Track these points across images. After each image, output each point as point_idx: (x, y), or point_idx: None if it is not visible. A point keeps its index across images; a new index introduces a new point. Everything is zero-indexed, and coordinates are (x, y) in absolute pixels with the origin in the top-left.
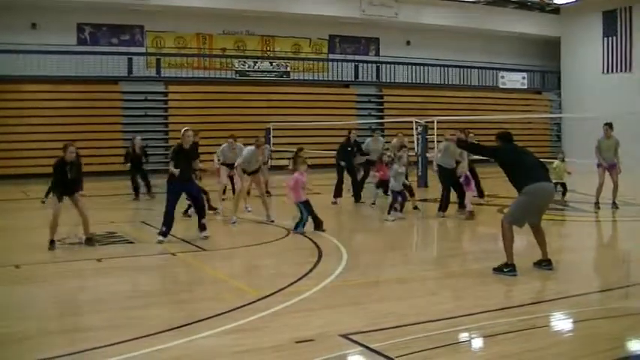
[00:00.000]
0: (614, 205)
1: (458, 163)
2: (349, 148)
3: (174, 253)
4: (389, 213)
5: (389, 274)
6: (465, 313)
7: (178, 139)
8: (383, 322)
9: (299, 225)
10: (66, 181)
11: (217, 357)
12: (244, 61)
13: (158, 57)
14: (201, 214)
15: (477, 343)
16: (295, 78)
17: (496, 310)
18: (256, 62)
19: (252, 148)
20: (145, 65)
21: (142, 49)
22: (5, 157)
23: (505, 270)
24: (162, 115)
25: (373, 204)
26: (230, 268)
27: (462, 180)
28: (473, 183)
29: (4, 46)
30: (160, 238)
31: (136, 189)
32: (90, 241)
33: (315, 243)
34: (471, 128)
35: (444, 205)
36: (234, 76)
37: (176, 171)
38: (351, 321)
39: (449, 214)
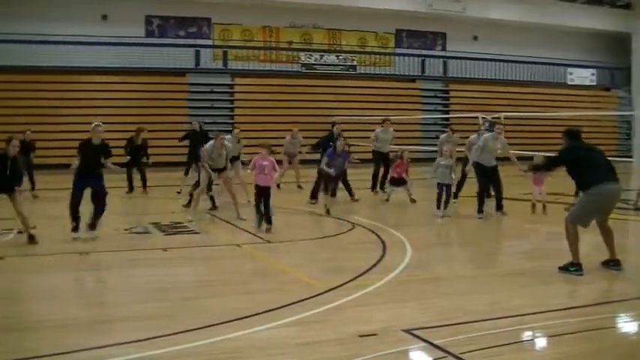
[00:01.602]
0: None
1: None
2: (331, 143)
3: (239, 245)
4: (438, 208)
5: (452, 269)
6: (530, 312)
7: (245, 130)
8: (446, 318)
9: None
10: (4, 176)
11: (280, 348)
12: (310, 55)
13: (225, 49)
14: (97, 214)
15: (542, 342)
16: (361, 72)
17: (561, 309)
18: (322, 56)
19: (212, 142)
20: (211, 57)
21: (209, 42)
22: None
23: (571, 269)
24: (229, 108)
25: (387, 200)
26: (294, 260)
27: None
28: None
29: (74, 37)
30: (74, 234)
31: (130, 181)
32: (32, 239)
33: (379, 237)
34: (539, 124)
35: (479, 206)
36: (300, 70)
37: (76, 164)
38: (415, 316)
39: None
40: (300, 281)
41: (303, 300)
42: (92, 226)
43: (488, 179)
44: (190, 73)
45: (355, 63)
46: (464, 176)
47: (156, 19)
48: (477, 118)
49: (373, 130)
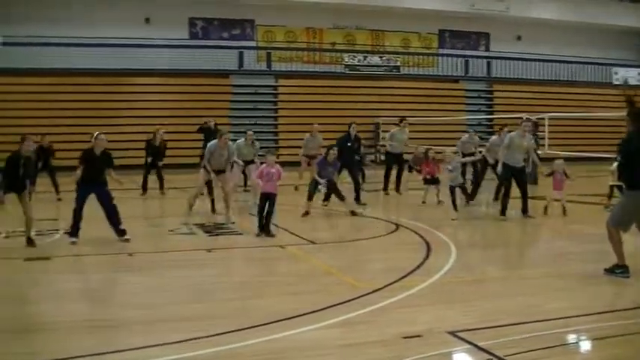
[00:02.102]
0: None
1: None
2: (349, 144)
3: (283, 246)
4: (456, 210)
5: (496, 271)
6: (575, 314)
7: (289, 131)
8: (491, 320)
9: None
10: (17, 175)
11: (324, 349)
12: (354, 56)
13: (268, 51)
14: (111, 216)
15: (587, 345)
16: (405, 73)
17: (607, 312)
18: (366, 57)
19: (215, 141)
20: (255, 59)
21: (253, 43)
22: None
23: (617, 271)
24: (272, 109)
25: (424, 202)
26: (338, 262)
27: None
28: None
29: (118, 40)
30: (72, 239)
31: (145, 183)
32: (30, 242)
33: (423, 238)
34: (584, 125)
35: (503, 208)
36: (343, 71)
37: (78, 174)
38: (459, 318)
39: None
40: (345, 282)
41: (347, 301)
42: (121, 232)
43: (514, 180)
44: (234, 75)
45: (399, 64)
46: (479, 178)
47: (199, 21)
48: (521, 118)
49: (422, 132)
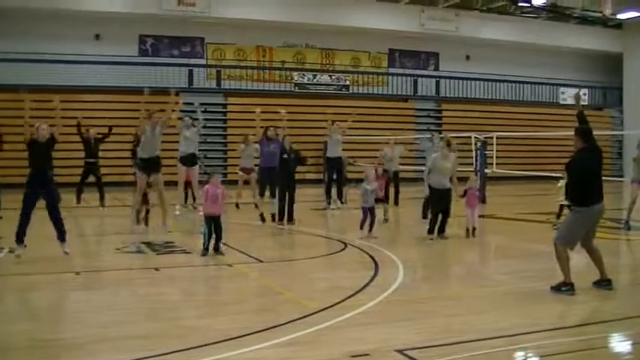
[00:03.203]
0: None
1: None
2: (284, 156)
3: (231, 264)
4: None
5: (445, 289)
6: (522, 332)
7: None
8: (440, 338)
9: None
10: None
11: None
12: (303, 74)
13: (218, 69)
14: (58, 228)
15: None
16: (354, 92)
17: (553, 329)
18: (315, 75)
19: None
20: (205, 77)
21: (203, 61)
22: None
23: (563, 289)
24: (222, 127)
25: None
26: (286, 280)
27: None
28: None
29: (68, 56)
30: (16, 252)
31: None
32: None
33: (371, 256)
34: (531, 144)
35: (431, 228)
36: (293, 89)
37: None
38: (408, 336)
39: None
40: (292, 301)
41: (295, 320)
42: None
43: (440, 203)
44: (183, 92)
45: (348, 83)
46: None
47: (149, 38)
48: (470, 137)
49: (370, 150)
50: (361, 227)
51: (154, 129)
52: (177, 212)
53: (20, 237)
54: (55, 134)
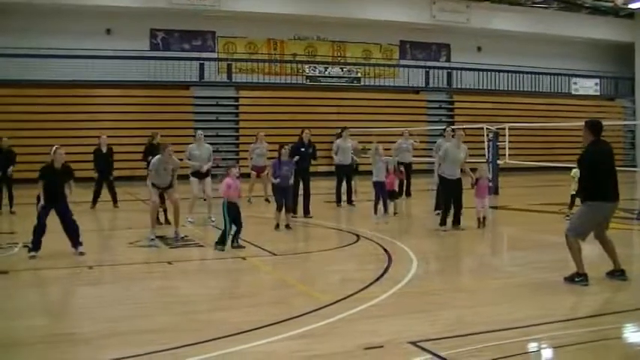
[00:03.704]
0: None
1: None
2: (302, 149)
3: (245, 257)
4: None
5: (457, 281)
6: (535, 323)
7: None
8: (453, 329)
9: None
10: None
11: None
12: (315, 67)
13: (229, 62)
14: (71, 234)
15: (547, 353)
16: (366, 84)
17: (566, 320)
18: (327, 68)
19: (159, 156)
20: (216, 70)
21: (214, 55)
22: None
23: (576, 279)
24: (234, 120)
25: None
26: (299, 273)
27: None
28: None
29: (79, 51)
30: (32, 253)
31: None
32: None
33: (384, 248)
34: (543, 135)
35: (442, 219)
36: (304, 82)
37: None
38: (421, 328)
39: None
40: (306, 294)
41: (308, 312)
42: (77, 245)
43: (452, 193)
44: (195, 86)
45: (359, 75)
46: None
47: (160, 32)
48: (482, 129)
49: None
50: (375, 211)
51: (164, 165)
52: (190, 220)
53: (36, 245)
54: (69, 168)
